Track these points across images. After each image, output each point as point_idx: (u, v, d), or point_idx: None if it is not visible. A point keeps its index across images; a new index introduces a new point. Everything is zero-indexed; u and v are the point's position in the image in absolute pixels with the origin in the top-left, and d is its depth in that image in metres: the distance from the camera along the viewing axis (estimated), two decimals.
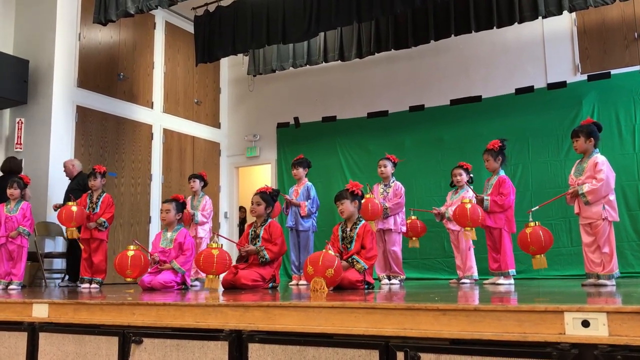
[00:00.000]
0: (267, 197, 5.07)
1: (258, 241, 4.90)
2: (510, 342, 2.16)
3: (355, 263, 4.29)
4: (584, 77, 7.54)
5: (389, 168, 6.00)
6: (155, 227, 8.35)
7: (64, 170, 6.95)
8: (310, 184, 6.41)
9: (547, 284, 5.24)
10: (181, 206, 5.45)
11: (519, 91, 7.86)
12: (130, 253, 4.88)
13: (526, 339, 2.13)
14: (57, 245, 7.25)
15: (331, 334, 2.52)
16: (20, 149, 7.37)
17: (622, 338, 1.99)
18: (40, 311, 3.41)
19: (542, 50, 7.89)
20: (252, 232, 4.99)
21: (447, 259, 7.80)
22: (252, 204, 5.07)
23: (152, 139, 8.73)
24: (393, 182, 6.00)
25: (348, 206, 4.46)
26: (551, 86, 7.71)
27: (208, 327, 2.83)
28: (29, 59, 7.44)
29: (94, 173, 6.04)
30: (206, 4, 8.13)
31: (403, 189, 5.97)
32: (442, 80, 8.44)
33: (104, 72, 8.09)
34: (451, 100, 8.30)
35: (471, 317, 2.25)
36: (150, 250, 5.40)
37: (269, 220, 5.04)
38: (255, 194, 5.11)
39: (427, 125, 8.36)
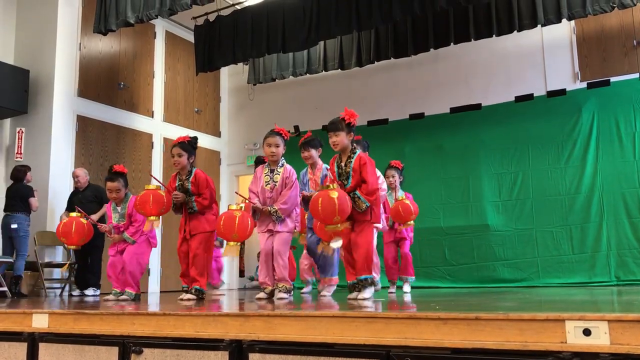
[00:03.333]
0: (187, 146, 4.70)
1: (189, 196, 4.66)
2: (511, 351, 2.14)
3: (356, 200, 3.77)
4: (584, 84, 7.55)
5: (280, 148, 4.43)
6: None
7: (77, 181, 6.91)
8: (327, 165, 4.66)
9: (549, 292, 5.23)
10: (126, 178, 5.27)
11: (518, 99, 7.86)
12: (64, 220, 5.00)
13: (527, 348, 2.12)
14: (57, 254, 7.24)
15: (332, 343, 2.51)
16: (21, 158, 7.37)
17: (624, 347, 1.98)
18: (40, 321, 3.39)
19: (542, 58, 7.92)
20: (179, 186, 4.69)
21: (448, 267, 7.79)
22: (173, 157, 4.69)
23: (152, 147, 8.74)
24: (282, 165, 4.46)
25: (343, 138, 3.92)
26: (551, 94, 7.71)
27: (208, 336, 2.82)
28: (29, 68, 7.47)
29: None
30: (206, 14, 8.16)
31: (295, 174, 4.48)
32: (442, 88, 8.45)
33: (104, 82, 8.11)
34: (451, 108, 8.30)
35: (472, 326, 2.24)
36: (107, 222, 5.32)
37: (194, 170, 4.72)
38: (174, 145, 4.70)
39: (427, 133, 8.36)
